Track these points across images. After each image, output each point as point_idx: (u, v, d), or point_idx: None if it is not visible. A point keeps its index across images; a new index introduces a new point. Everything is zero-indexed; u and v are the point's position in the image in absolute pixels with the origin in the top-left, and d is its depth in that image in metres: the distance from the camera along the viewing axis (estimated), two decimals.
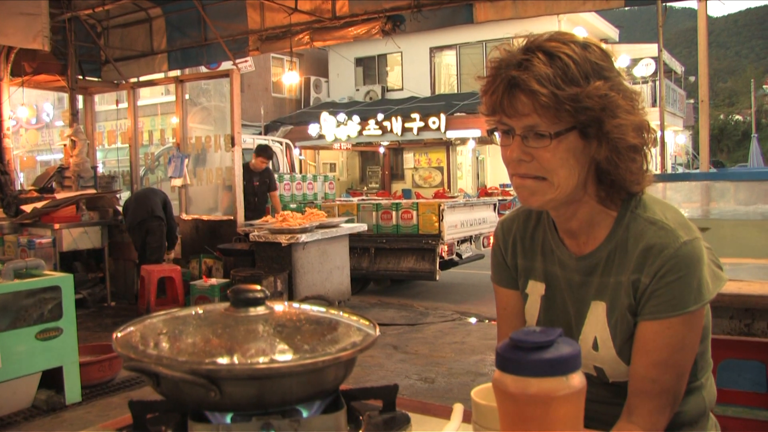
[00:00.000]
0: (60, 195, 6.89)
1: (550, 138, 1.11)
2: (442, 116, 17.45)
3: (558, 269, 1.30)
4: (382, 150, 20.52)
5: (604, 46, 1.18)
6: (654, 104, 19.61)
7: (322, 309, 1.03)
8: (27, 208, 6.58)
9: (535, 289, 1.34)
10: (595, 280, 1.24)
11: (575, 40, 1.14)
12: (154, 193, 6.83)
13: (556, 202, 1.18)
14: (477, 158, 20.25)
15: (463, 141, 19.00)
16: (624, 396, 1.22)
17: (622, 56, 20.47)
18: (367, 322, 0.99)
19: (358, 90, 21.52)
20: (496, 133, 1.19)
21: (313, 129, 18.37)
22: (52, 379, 3.82)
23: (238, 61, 7.57)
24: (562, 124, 1.11)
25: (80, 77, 7.94)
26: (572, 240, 1.28)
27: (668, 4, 5.92)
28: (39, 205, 6.52)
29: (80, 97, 8.14)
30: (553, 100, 1.08)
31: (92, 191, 7.11)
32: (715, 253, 1.26)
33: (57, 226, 6.29)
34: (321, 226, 6.24)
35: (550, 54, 1.11)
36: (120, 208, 7.17)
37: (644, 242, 1.17)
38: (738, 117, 49.70)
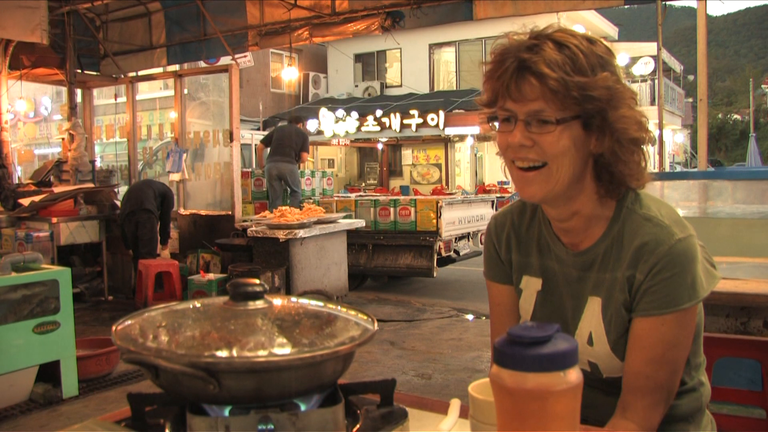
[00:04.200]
0: (58, 189, 6.87)
1: (555, 124, 1.11)
2: (441, 113, 17.44)
3: (555, 264, 1.30)
4: (380, 146, 20.50)
5: (607, 44, 1.20)
6: (653, 103, 19.62)
7: (321, 303, 1.03)
8: (25, 201, 6.56)
9: (531, 285, 1.34)
10: (592, 276, 1.25)
11: (581, 35, 1.16)
12: (149, 185, 6.77)
13: (556, 193, 1.18)
14: (475, 155, 20.25)
15: (462, 138, 18.99)
16: (618, 392, 1.22)
17: (621, 54, 20.47)
18: (365, 317, 0.99)
19: (356, 86, 21.48)
20: (495, 123, 1.19)
21: (311, 125, 18.35)
22: (49, 372, 3.82)
23: (237, 56, 7.56)
24: (568, 111, 1.11)
25: (79, 71, 7.92)
26: (568, 236, 1.28)
27: (668, 2, 5.93)
28: (37, 198, 6.51)
29: (79, 91, 8.11)
30: (562, 85, 1.09)
31: (90, 185, 7.10)
32: (709, 251, 1.26)
33: (55, 220, 6.28)
34: (319, 222, 6.24)
35: (558, 43, 1.12)
36: (118, 203, 7.16)
37: (639, 239, 1.18)
38: (736, 116, 49.70)
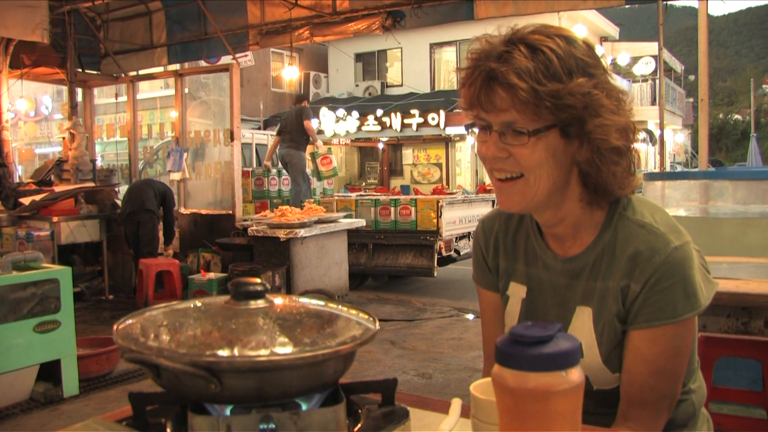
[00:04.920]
0: (58, 188, 6.87)
1: (527, 135, 1.07)
2: (442, 112, 17.44)
3: (542, 272, 1.26)
4: (380, 146, 20.50)
5: (595, 44, 1.14)
6: (654, 103, 19.64)
7: (322, 303, 1.03)
8: (25, 200, 6.56)
9: (516, 292, 1.31)
10: (580, 284, 1.21)
11: (561, 34, 1.09)
12: (149, 185, 6.79)
13: (536, 204, 1.14)
14: (476, 155, 20.24)
15: (462, 137, 19.00)
16: (608, 403, 1.20)
17: (622, 54, 20.51)
18: (366, 316, 0.99)
19: (357, 85, 21.48)
20: (475, 128, 1.15)
21: (312, 124, 18.33)
22: (49, 371, 3.82)
23: (237, 55, 7.56)
24: (542, 121, 1.07)
25: (79, 70, 7.92)
26: (557, 242, 1.24)
27: (668, 2, 5.92)
28: (37, 197, 6.51)
29: (79, 90, 8.11)
30: (532, 95, 1.04)
31: (91, 184, 7.10)
32: (704, 256, 1.22)
33: (55, 219, 6.28)
34: (319, 222, 6.24)
35: (532, 47, 1.06)
36: (118, 202, 7.17)
37: (633, 247, 1.13)
38: (737, 116, 49.72)
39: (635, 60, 21.20)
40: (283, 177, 8.60)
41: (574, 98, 1.05)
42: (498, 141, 1.09)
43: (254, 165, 10.96)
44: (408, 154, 21.35)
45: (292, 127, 8.23)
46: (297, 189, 8.13)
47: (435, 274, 7.09)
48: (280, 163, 8.39)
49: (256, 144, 11.48)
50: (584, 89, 1.06)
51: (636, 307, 1.13)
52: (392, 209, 7.19)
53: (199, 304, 1.00)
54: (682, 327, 1.12)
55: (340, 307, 1.02)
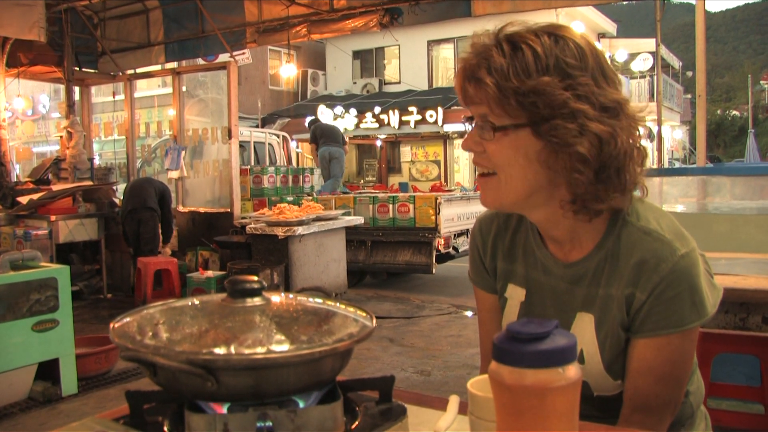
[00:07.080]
0: (56, 187, 6.87)
1: (493, 131, 1.07)
2: (440, 109, 17.44)
3: (542, 275, 1.24)
4: (379, 143, 20.50)
5: (596, 44, 1.10)
6: (651, 99, 19.64)
7: (319, 300, 1.03)
8: (23, 199, 6.56)
9: (515, 294, 1.29)
10: (581, 290, 1.18)
11: (554, 33, 1.06)
12: (150, 183, 6.79)
13: (511, 203, 1.13)
14: None
15: (460, 134, 18.94)
16: (608, 408, 1.19)
17: (619, 51, 20.52)
18: (364, 314, 0.99)
19: (355, 83, 21.47)
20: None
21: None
22: (48, 370, 3.82)
23: (235, 53, 7.55)
24: (511, 119, 1.05)
25: (77, 69, 7.91)
26: (558, 246, 1.21)
27: None
28: (35, 196, 6.50)
29: (77, 89, 8.10)
30: (495, 91, 1.03)
31: (89, 183, 7.09)
32: (708, 261, 1.20)
33: (53, 217, 6.27)
34: (318, 219, 6.24)
35: (513, 44, 1.05)
36: (116, 200, 7.17)
37: (639, 255, 1.11)
38: (735, 112, 49.75)
39: (633, 56, 21.20)
40: (281, 175, 8.61)
41: (537, 97, 1.02)
42: (475, 135, 1.11)
43: (252, 163, 10.96)
44: (406, 152, 21.35)
45: (334, 133, 10.34)
46: (338, 178, 9.86)
47: (433, 271, 7.09)
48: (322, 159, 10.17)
49: (254, 142, 11.46)
50: (548, 88, 1.02)
51: (641, 315, 1.11)
52: (390, 206, 7.19)
53: (196, 302, 1.00)
54: (688, 335, 1.11)
55: (337, 304, 1.02)
